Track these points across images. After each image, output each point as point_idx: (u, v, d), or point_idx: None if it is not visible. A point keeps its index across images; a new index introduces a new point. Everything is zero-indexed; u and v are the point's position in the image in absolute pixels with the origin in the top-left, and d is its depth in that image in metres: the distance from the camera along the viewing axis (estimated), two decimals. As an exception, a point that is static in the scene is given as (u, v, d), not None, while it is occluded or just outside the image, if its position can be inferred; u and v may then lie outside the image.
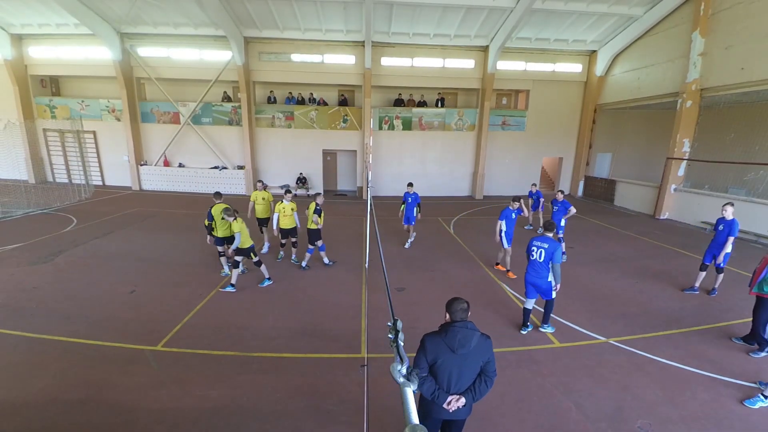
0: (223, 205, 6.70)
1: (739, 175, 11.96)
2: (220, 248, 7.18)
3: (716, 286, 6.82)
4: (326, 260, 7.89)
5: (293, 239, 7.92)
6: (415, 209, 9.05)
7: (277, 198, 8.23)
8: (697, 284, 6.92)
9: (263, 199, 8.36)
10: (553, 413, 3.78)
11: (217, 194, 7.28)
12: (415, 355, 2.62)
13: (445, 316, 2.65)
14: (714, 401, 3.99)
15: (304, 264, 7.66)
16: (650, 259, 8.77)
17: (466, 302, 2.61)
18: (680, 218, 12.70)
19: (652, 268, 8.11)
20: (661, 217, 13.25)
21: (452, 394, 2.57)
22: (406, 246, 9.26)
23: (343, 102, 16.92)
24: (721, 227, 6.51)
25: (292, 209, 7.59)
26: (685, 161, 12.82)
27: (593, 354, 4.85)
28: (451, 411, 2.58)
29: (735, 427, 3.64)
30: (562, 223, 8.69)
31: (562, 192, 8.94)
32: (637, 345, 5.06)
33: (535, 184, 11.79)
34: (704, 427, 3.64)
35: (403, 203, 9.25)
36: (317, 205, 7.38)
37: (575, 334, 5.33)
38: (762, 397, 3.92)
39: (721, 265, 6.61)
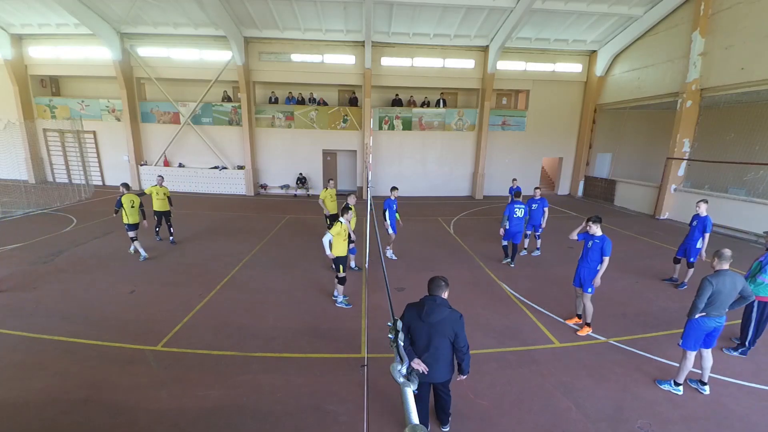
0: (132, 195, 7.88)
1: (739, 175, 11.96)
2: (131, 233, 7.94)
3: (686, 280, 7.10)
4: (352, 263, 7.62)
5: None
6: (396, 215, 8.24)
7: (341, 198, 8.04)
8: (675, 275, 7.38)
9: (332, 195, 8.68)
10: (553, 413, 3.77)
11: (125, 185, 8.11)
12: None
13: None
14: (714, 401, 3.99)
15: (353, 264, 7.55)
16: (650, 259, 8.77)
17: (443, 280, 3.02)
18: (680, 218, 12.70)
19: (653, 268, 8.11)
20: (661, 217, 13.26)
21: (424, 358, 2.96)
22: (389, 255, 8.43)
23: (352, 101, 16.82)
24: (694, 223, 6.85)
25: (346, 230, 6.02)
26: (685, 161, 12.82)
27: (593, 354, 4.85)
28: (420, 371, 2.92)
29: (735, 427, 3.64)
30: (543, 223, 8.71)
31: (540, 189, 8.93)
32: (637, 345, 5.07)
33: (515, 179, 12.01)
34: (704, 427, 3.64)
35: (386, 210, 8.09)
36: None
37: (575, 334, 5.33)
38: (674, 383, 4.14)
39: (692, 260, 6.97)
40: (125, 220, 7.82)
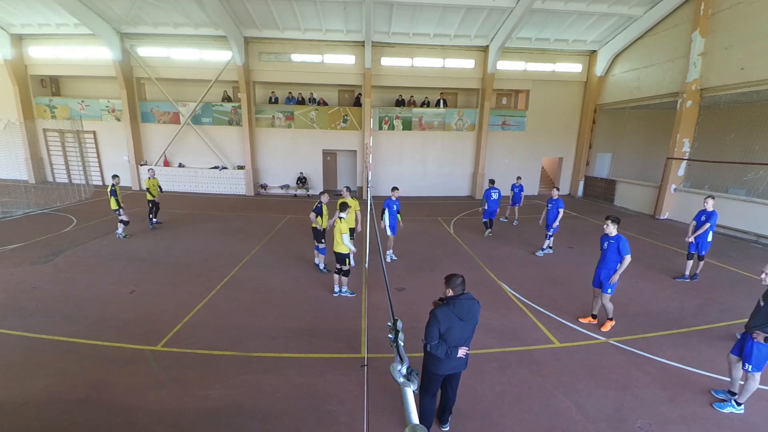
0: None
1: (739, 175, 11.96)
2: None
3: (698, 271, 7.43)
4: (321, 265, 7.52)
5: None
6: (397, 216, 8.10)
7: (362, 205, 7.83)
8: (687, 272, 7.55)
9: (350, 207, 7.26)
10: (553, 413, 3.78)
11: (115, 176, 9.54)
12: (426, 328, 3.06)
13: (446, 291, 3.09)
14: (714, 401, 3.98)
15: (322, 266, 7.50)
16: (650, 259, 8.77)
17: (462, 276, 3.10)
18: (680, 218, 12.69)
19: (653, 268, 8.11)
20: (661, 217, 13.25)
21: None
22: (388, 260, 8.25)
23: (357, 102, 16.73)
24: (703, 218, 7.20)
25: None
26: (685, 161, 12.82)
27: (593, 354, 4.85)
28: (463, 355, 3.14)
29: (735, 427, 3.64)
30: (556, 223, 8.72)
31: (558, 189, 9.04)
32: (637, 345, 5.07)
33: (519, 177, 12.20)
34: (704, 427, 3.64)
35: (385, 211, 7.98)
36: (319, 203, 7.08)
37: (575, 334, 5.34)
38: (734, 403, 3.84)
39: (702, 253, 7.28)
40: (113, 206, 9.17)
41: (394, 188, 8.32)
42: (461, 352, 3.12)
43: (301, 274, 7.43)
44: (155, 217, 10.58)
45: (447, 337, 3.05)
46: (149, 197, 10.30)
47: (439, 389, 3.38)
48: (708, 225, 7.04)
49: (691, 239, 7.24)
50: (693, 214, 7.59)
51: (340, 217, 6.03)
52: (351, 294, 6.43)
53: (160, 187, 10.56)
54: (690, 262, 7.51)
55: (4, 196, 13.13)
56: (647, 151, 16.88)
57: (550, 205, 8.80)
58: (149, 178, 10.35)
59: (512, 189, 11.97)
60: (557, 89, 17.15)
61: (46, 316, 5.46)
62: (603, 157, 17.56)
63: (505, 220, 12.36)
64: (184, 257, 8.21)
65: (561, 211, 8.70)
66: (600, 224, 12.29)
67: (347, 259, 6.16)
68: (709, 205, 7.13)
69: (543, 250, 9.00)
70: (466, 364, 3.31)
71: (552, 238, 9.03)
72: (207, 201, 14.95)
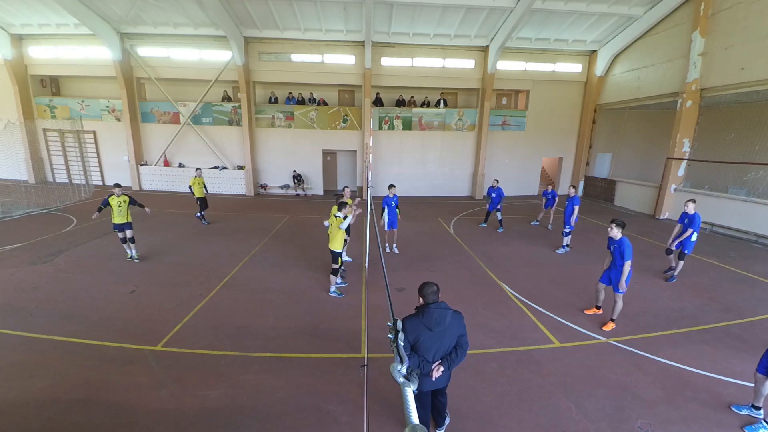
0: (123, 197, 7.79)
1: (739, 175, 11.96)
2: (120, 234, 7.81)
3: (676, 273, 7.49)
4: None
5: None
6: (396, 212, 8.62)
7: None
8: (672, 266, 7.71)
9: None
10: (553, 413, 3.77)
11: (117, 185, 7.93)
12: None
13: (419, 300, 2.96)
14: (714, 401, 3.99)
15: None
16: (650, 259, 8.76)
17: (436, 285, 2.94)
18: (680, 218, 12.69)
19: (652, 268, 8.11)
20: (662, 217, 13.26)
21: (436, 367, 2.92)
22: (396, 251, 8.85)
23: (378, 101, 16.58)
24: (686, 221, 7.24)
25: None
26: (685, 161, 12.82)
27: (593, 354, 4.85)
28: (434, 379, 2.93)
29: (735, 427, 3.64)
30: (570, 221, 8.97)
31: (574, 187, 9.38)
32: (637, 345, 5.07)
33: (551, 185, 12.63)
34: (704, 427, 3.64)
35: (384, 209, 8.60)
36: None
37: (575, 334, 5.33)
38: (765, 423, 3.69)
39: (687, 252, 7.29)
40: (113, 220, 7.68)
41: (391, 186, 8.72)
42: (434, 373, 2.91)
43: (301, 274, 7.42)
44: (202, 215, 11.26)
45: (418, 349, 2.89)
46: (198, 195, 11.00)
47: (429, 404, 3.25)
48: (691, 231, 7.07)
49: (672, 246, 7.37)
50: (681, 212, 7.63)
51: (336, 216, 6.17)
52: (339, 295, 6.41)
53: (204, 185, 11.11)
54: (671, 257, 7.65)
55: (4, 196, 13.13)
56: (647, 151, 16.87)
57: (567, 202, 9.12)
58: (195, 177, 10.97)
59: (544, 195, 11.67)
60: (557, 89, 17.14)
61: (46, 316, 5.46)
62: (603, 157, 17.56)
63: (537, 223, 12.19)
64: (184, 257, 8.21)
65: (576, 208, 8.95)
66: (600, 224, 12.33)
67: (339, 258, 6.27)
68: (690, 209, 7.16)
69: (564, 247, 9.17)
70: (449, 378, 3.17)
71: (569, 236, 9.18)
72: (207, 201, 14.92)
